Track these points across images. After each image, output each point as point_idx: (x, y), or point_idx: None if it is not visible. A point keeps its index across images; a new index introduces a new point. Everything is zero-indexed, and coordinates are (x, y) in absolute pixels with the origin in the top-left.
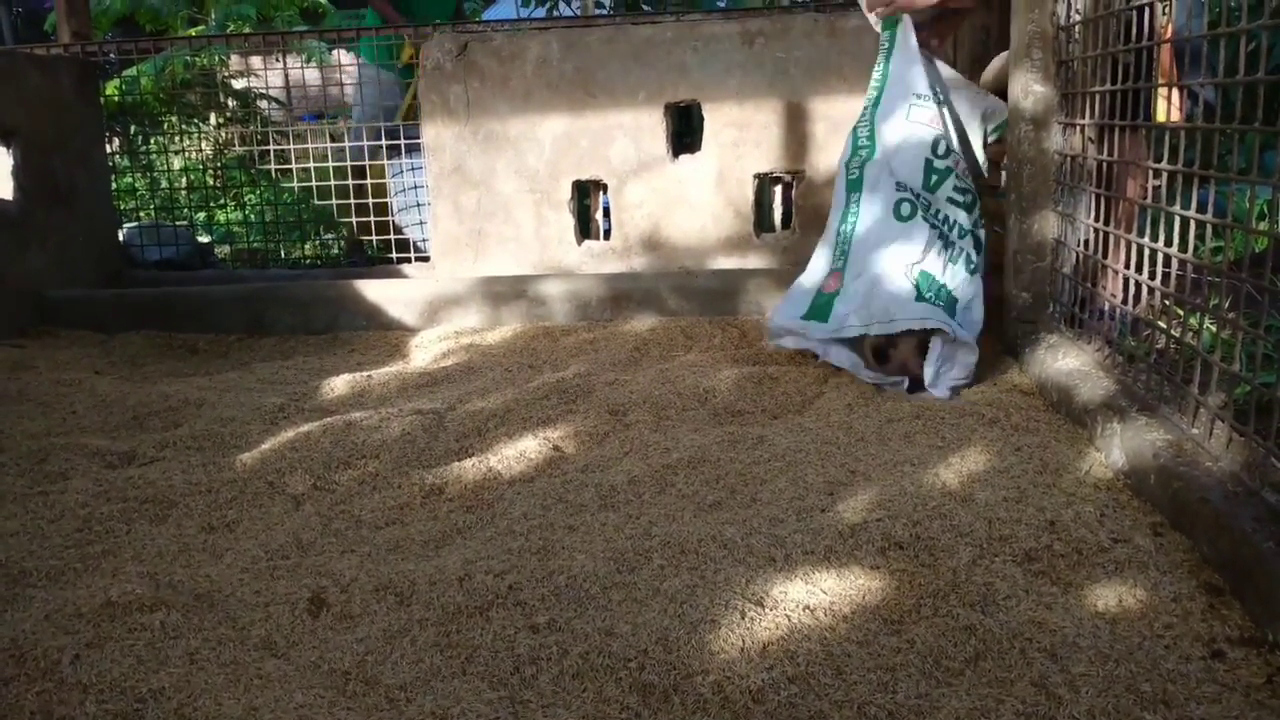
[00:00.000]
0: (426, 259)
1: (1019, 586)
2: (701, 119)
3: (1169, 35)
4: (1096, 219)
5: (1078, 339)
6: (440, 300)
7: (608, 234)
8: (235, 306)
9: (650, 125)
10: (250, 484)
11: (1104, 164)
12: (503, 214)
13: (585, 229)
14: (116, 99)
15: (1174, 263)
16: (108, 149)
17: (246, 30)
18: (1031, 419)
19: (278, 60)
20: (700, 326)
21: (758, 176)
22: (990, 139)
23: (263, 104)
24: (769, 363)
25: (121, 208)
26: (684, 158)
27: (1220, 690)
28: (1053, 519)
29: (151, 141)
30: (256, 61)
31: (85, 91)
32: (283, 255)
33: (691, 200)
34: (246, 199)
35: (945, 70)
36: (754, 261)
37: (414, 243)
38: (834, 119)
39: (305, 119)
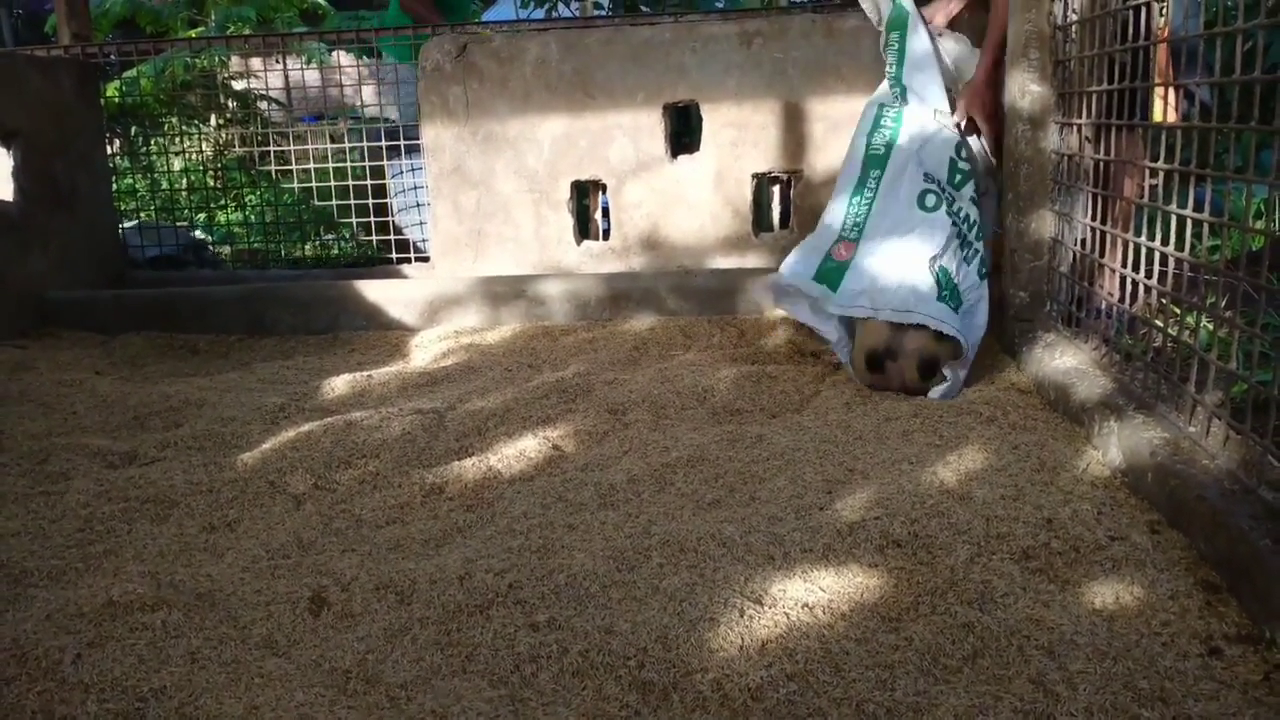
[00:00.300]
0: (426, 259)
1: (1017, 584)
2: (700, 119)
3: (1166, 35)
4: (1094, 218)
5: (1075, 338)
6: (440, 300)
7: (607, 234)
8: (236, 307)
9: (649, 126)
10: (251, 483)
11: (1101, 163)
12: (502, 214)
13: (584, 229)
14: (117, 100)
15: (1171, 261)
16: (108, 150)
17: (246, 32)
18: (1029, 417)
19: (277, 62)
20: (699, 326)
21: (756, 176)
22: None
23: (263, 105)
24: (767, 362)
25: (122, 209)
26: (682, 158)
27: (1218, 687)
28: (1050, 517)
29: (152, 143)
30: (256, 63)
31: (86, 93)
32: (283, 254)
33: (690, 200)
34: (247, 200)
35: (953, 46)
36: (752, 261)
37: (414, 243)
38: (832, 119)
39: (305, 120)
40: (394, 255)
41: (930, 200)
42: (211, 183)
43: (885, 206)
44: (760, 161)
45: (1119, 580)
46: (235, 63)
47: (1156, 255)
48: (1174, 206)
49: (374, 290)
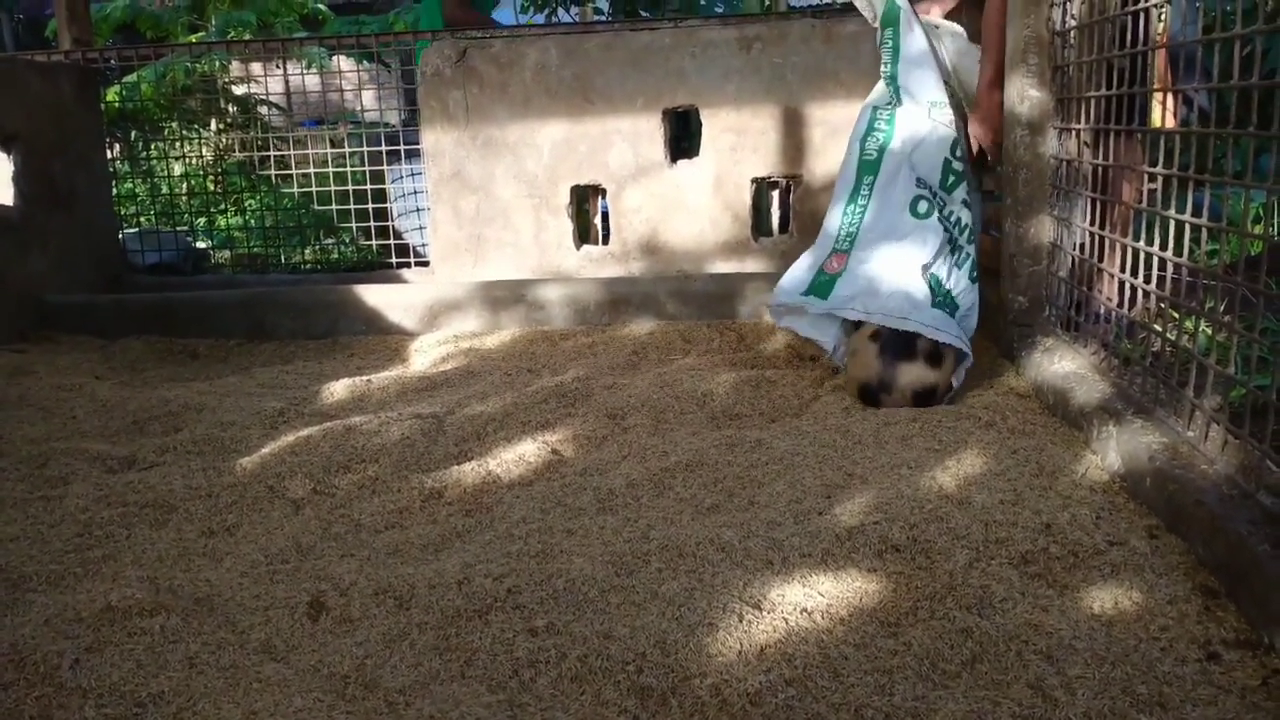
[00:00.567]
0: (426, 264)
1: (1015, 589)
2: (699, 124)
3: (1164, 40)
4: (1092, 223)
5: (1074, 342)
6: (439, 305)
7: (606, 239)
8: (235, 311)
9: (648, 131)
10: (250, 488)
11: (1099, 168)
12: (502, 219)
13: (584, 234)
14: (117, 105)
15: (1169, 266)
16: (108, 154)
17: (247, 37)
18: (1028, 422)
19: (278, 67)
20: (698, 330)
21: (755, 181)
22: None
23: (263, 110)
24: (766, 366)
25: (122, 213)
26: (682, 163)
27: (1216, 692)
28: (1049, 522)
29: (152, 147)
30: (257, 68)
31: (86, 97)
32: (283, 259)
33: (689, 205)
34: (247, 204)
35: (949, 38)
36: (751, 265)
37: (413, 248)
38: (831, 124)
39: (305, 125)
40: (394, 260)
41: (922, 207)
42: (211, 187)
43: (878, 213)
44: (759, 166)
45: (1117, 585)
46: (235, 68)
47: (1155, 260)
48: (1172, 211)
49: (373, 295)
